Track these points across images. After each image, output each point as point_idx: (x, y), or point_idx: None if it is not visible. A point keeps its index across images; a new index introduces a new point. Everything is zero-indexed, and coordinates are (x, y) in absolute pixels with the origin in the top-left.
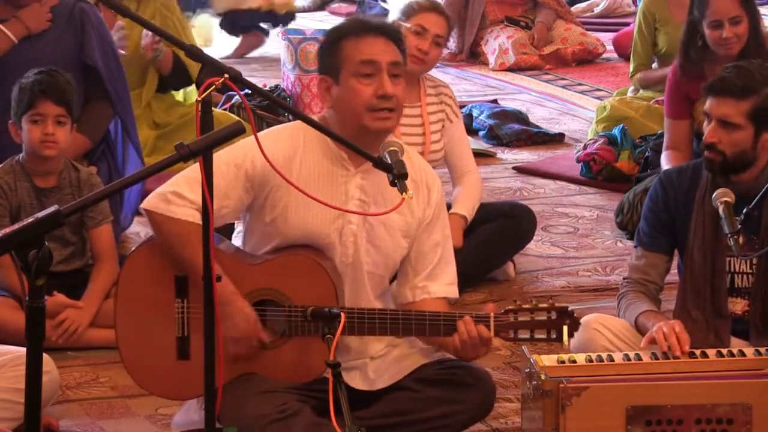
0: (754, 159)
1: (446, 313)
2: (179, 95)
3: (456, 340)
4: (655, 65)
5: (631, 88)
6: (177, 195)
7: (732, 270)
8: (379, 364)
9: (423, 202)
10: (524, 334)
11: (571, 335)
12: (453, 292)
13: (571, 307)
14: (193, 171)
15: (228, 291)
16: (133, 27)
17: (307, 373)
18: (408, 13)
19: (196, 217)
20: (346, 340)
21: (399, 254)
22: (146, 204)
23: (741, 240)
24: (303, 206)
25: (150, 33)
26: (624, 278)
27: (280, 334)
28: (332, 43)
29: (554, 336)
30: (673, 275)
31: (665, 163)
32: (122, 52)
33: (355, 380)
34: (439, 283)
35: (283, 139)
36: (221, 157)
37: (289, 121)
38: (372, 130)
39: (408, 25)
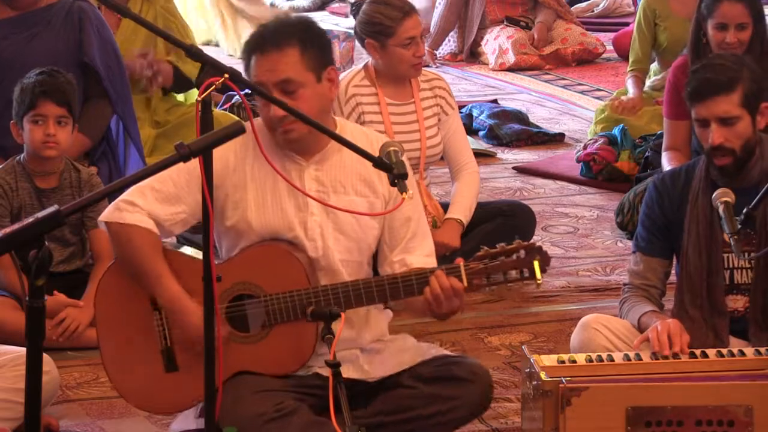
0: (756, 143)
1: (417, 271)
2: (180, 96)
3: (428, 294)
4: (654, 65)
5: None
6: (128, 203)
7: (731, 266)
8: (373, 356)
9: (386, 180)
10: (497, 278)
11: (543, 270)
12: (432, 263)
13: (538, 244)
14: (146, 180)
15: (177, 296)
16: (138, 31)
17: (296, 359)
18: (393, 28)
19: (147, 222)
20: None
21: (371, 235)
22: (102, 216)
23: None
24: (262, 202)
25: (142, 60)
26: (625, 284)
27: (261, 326)
28: (246, 63)
29: (527, 274)
30: (672, 277)
31: (666, 164)
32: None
33: (348, 371)
34: (416, 255)
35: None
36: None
37: None
38: (284, 146)
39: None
